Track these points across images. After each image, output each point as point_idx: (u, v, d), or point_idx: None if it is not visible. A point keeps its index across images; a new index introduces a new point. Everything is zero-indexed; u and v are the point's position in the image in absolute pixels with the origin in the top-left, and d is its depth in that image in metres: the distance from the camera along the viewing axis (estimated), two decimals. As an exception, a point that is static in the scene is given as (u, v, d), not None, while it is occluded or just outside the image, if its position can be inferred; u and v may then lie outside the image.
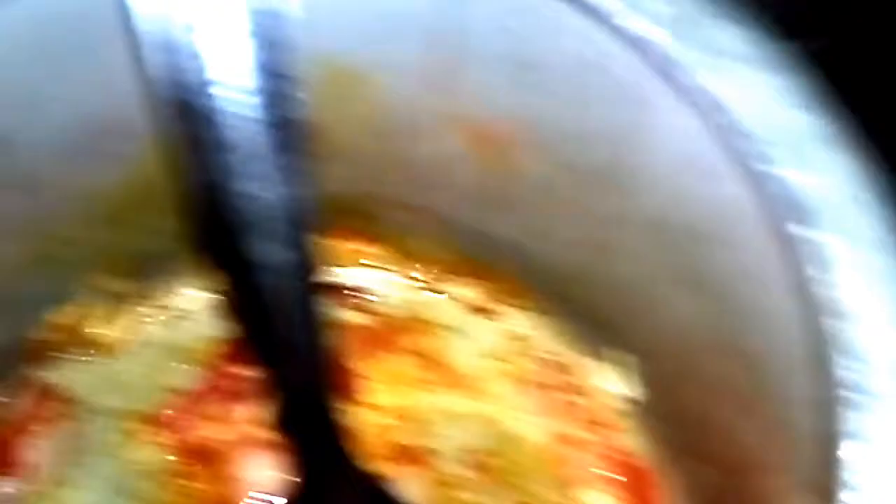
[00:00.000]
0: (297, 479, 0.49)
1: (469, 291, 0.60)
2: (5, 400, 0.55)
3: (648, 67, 0.40)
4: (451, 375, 0.58)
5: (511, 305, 0.60)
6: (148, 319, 0.59)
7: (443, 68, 0.47)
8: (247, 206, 0.37)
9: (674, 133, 0.41)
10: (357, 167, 0.55)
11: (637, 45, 0.39)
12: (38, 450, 0.56)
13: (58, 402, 0.57)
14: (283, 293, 0.39)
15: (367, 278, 0.60)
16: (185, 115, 0.36)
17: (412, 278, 0.61)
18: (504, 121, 0.49)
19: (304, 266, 0.39)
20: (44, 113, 0.46)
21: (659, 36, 0.39)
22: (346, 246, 0.60)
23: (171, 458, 0.57)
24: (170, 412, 0.58)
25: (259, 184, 0.37)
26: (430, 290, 0.61)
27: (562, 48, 0.42)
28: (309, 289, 0.39)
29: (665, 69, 0.40)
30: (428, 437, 0.57)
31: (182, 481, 0.56)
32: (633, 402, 0.57)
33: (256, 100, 0.36)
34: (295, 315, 0.39)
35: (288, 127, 0.37)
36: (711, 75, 0.39)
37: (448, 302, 0.60)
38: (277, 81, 0.37)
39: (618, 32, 0.39)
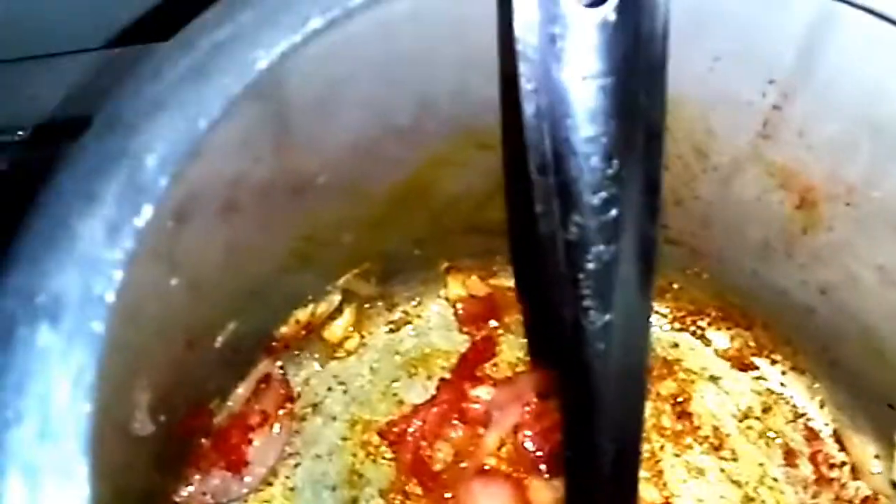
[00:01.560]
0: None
1: (727, 339, 0.56)
2: (239, 392, 0.53)
3: None
4: (699, 428, 0.54)
5: (771, 361, 0.55)
6: (388, 327, 0.57)
7: (776, 115, 0.43)
8: (590, 255, 0.34)
9: None
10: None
11: None
12: (257, 445, 0.54)
13: (284, 399, 0.55)
14: (615, 357, 0.35)
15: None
16: (548, 161, 0.32)
17: (665, 317, 0.57)
18: (829, 177, 0.44)
19: (639, 328, 0.35)
20: (335, 112, 0.43)
21: None
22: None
23: (390, 471, 0.54)
24: (395, 424, 0.55)
25: (608, 232, 0.34)
26: (685, 332, 0.56)
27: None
28: (640, 353, 0.35)
29: None
30: (668, 491, 0.53)
31: (398, 497, 0.54)
32: (897, 485, 0.52)
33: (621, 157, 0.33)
34: (619, 379, 0.36)
35: (649, 178, 0.34)
36: None
37: (703, 347, 0.56)
38: (648, 135, 0.34)
39: None
